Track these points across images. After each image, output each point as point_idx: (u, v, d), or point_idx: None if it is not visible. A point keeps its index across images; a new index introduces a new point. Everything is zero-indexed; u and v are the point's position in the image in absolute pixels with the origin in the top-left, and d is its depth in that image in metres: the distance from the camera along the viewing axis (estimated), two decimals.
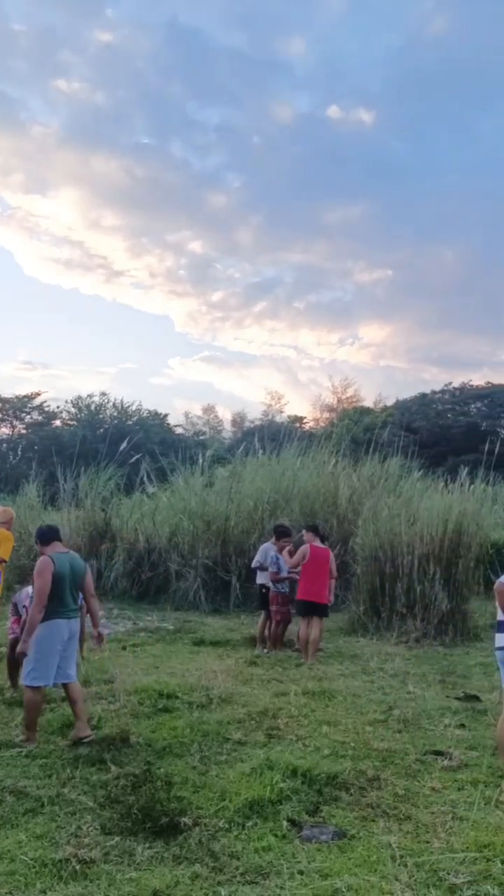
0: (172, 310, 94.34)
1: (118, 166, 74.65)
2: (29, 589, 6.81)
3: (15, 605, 6.84)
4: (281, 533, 9.44)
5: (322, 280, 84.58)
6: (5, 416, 46.56)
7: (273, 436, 17.75)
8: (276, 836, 3.82)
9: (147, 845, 3.73)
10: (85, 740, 5.22)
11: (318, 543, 8.99)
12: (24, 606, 6.65)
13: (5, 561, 8.07)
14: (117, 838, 3.78)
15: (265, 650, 9.11)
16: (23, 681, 5.48)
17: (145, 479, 16.13)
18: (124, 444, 15.97)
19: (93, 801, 4.24)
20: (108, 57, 71.93)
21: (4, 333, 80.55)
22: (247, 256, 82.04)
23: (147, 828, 3.88)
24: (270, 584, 9.21)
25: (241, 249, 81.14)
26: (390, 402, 48.17)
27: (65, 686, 5.43)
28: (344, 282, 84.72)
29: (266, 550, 9.46)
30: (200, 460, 16.25)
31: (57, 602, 5.31)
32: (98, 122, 73.76)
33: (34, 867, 3.47)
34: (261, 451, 16.59)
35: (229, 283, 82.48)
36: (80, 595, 5.64)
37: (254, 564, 9.77)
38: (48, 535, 5.63)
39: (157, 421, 48.04)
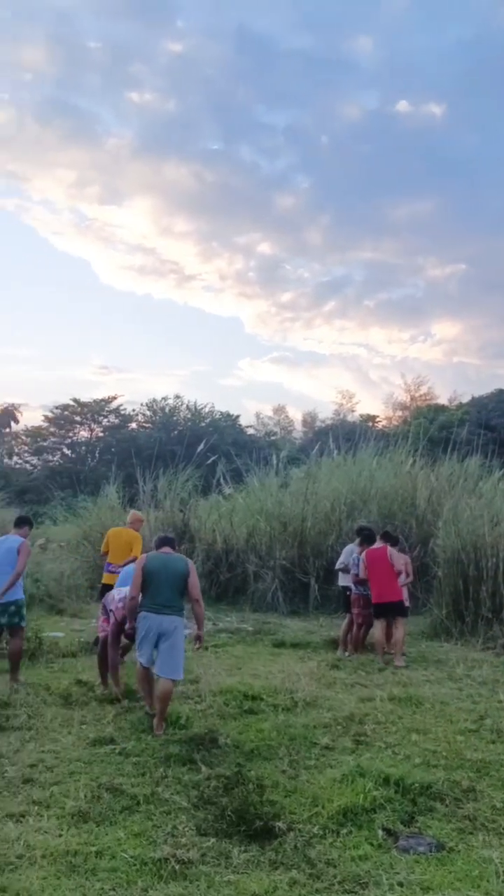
0: (242, 311, 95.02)
1: (188, 173, 75.75)
2: (115, 592, 6.98)
3: (104, 606, 7.01)
4: (364, 536, 9.35)
5: (392, 277, 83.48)
6: (84, 420, 47.81)
7: (348, 436, 17.62)
8: (371, 844, 3.78)
9: (242, 848, 3.75)
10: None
11: (378, 545, 8.94)
12: (110, 610, 6.80)
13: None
14: (213, 840, 3.81)
15: (346, 653, 9.04)
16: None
17: (221, 480, 16.28)
18: (201, 446, 16.17)
19: (186, 802, 4.30)
20: (179, 66, 73.06)
21: (82, 340, 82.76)
22: (316, 256, 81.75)
23: (241, 831, 3.91)
24: (352, 587, 9.14)
25: (310, 249, 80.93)
26: (465, 399, 47.02)
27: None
28: (415, 278, 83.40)
29: (349, 552, 9.38)
30: (275, 461, 16.27)
31: (147, 597, 5.87)
32: (169, 131, 75.04)
33: (135, 865, 3.54)
34: (336, 452, 16.50)
35: (299, 284, 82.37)
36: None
37: (337, 566, 9.71)
38: (159, 541, 6.50)
39: (229, 422, 48.38)
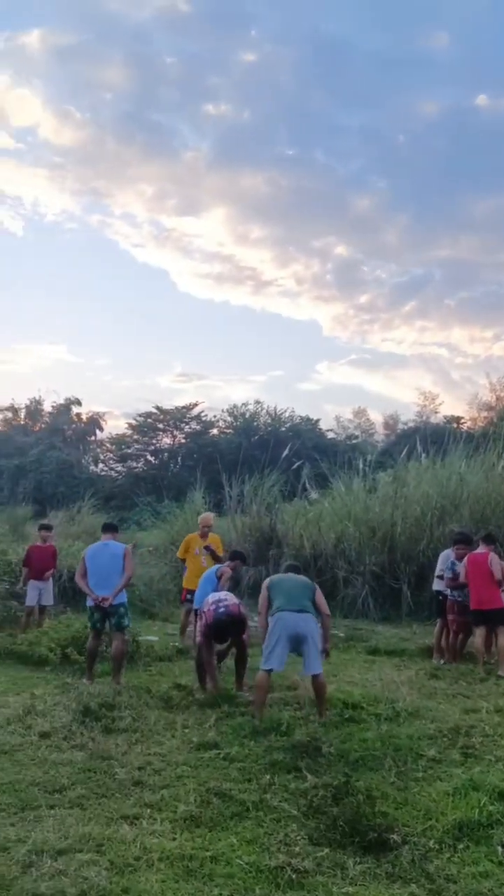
0: (319, 315, 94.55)
1: (263, 180, 76.07)
2: (209, 596, 7.05)
3: (201, 610, 7.10)
4: (458, 540, 9.13)
5: (473, 275, 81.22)
6: (166, 427, 48.67)
7: (435, 438, 17.25)
8: (492, 861, 3.66)
9: (357, 860, 3.70)
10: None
11: (481, 550, 8.67)
12: (203, 612, 6.87)
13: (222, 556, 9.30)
14: (327, 850, 3.78)
15: (442, 661, 8.83)
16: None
17: (307, 484, 16.23)
18: (286, 451, 16.17)
19: (296, 810, 4.28)
20: (253, 75, 73.52)
21: (162, 348, 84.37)
22: (393, 256, 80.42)
23: (355, 842, 3.85)
24: (448, 592, 8.94)
25: (388, 250, 79.69)
26: None
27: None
28: (497, 275, 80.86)
29: (445, 557, 9.19)
30: (361, 465, 16.09)
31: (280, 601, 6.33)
32: (244, 140, 75.55)
33: (251, 872, 3.55)
34: (423, 455, 16.17)
35: (376, 285, 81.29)
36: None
37: (437, 572, 9.51)
38: (287, 567, 7.23)
39: (309, 426, 48.24)
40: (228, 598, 6.99)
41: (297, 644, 6.22)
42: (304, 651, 6.17)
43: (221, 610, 6.71)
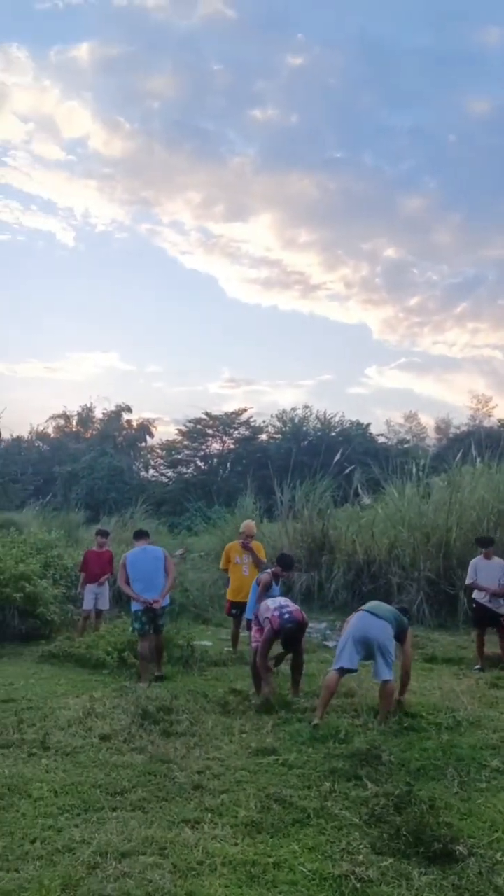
0: (369, 319, 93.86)
1: (311, 183, 75.98)
2: (269, 602, 7.05)
3: (257, 617, 7.09)
4: (484, 543, 9.27)
5: None
6: (216, 433, 48.97)
7: (489, 442, 16.91)
8: None
9: (422, 870, 3.63)
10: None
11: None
12: (266, 618, 6.87)
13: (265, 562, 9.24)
14: (390, 860, 3.73)
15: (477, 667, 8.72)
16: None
17: (359, 489, 16.09)
18: (338, 456, 16.08)
19: (357, 818, 4.23)
20: (300, 79, 73.61)
21: (211, 354, 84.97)
22: (445, 258, 79.48)
23: (420, 852, 3.79)
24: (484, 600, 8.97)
25: (439, 251, 78.74)
26: None
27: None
28: None
29: (475, 566, 9.20)
30: (414, 470, 15.87)
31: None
32: (291, 144, 75.68)
33: (314, 880, 3.53)
34: (478, 459, 15.86)
35: (427, 287, 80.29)
36: None
37: (467, 581, 9.41)
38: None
39: (359, 431, 47.90)
40: (289, 603, 7.01)
41: (367, 649, 6.22)
42: (376, 656, 6.19)
43: (286, 616, 6.73)
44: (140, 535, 8.60)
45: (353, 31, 73.71)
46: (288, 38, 73.04)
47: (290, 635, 6.79)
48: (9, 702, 6.77)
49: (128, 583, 7.94)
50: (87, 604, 10.65)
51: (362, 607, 6.59)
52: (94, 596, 10.65)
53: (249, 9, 70.60)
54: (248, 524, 10.09)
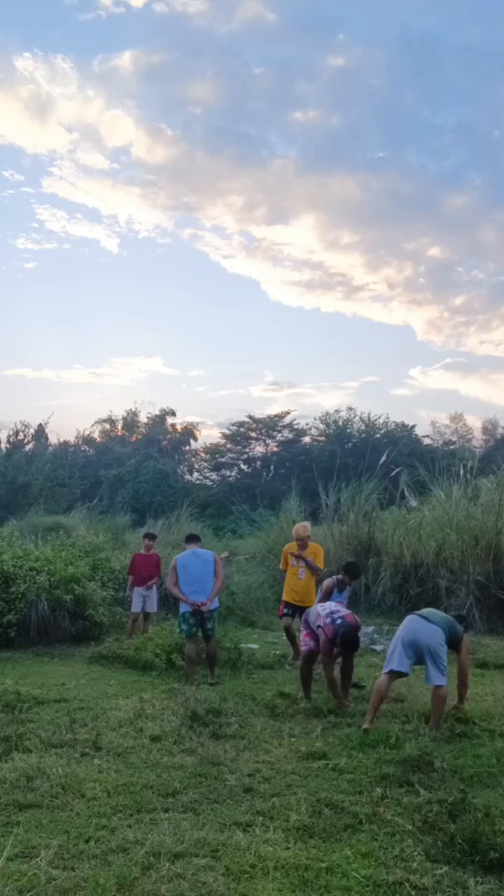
0: (413, 319, 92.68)
1: (353, 184, 75.43)
2: (318, 608, 7.01)
3: (307, 621, 7.07)
4: None
5: None
6: (259, 436, 49.03)
7: None
8: None
9: (478, 879, 3.58)
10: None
11: None
12: (318, 626, 6.82)
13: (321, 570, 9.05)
14: (445, 868, 3.68)
15: None
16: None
17: (405, 492, 15.93)
18: (384, 458, 15.94)
19: (410, 825, 4.19)
20: (341, 80, 73.10)
21: (254, 357, 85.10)
22: (491, 255, 77.87)
23: (475, 860, 3.73)
24: None
25: (485, 249, 77.28)
26: None
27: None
28: None
29: None
30: (461, 471, 15.64)
31: None
32: (333, 146, 75.20)
33: (368, 886, 3.50)
34: None
35: (473, 286, 78.92)
36: None
37: None
38: None
39: (404, 433, 47.39)
40: (340, 608, 6.97)
41: (417, 653, 6.14)
42: (428, 661, 6.10)
43: (339, 621, 6.69)
44: (192, 538, 8.75)
45: (396, 30, 72.90)
46: (329, 38, 72.69)
47: (348, 640, 6.70)
48: (61, 702, 6.89)
49: (177, 585, 8.03)
50: (135, 606, 10.77)
51: (416, 612, 6.48)
52: (142, 598, 10.76)
53: (290, 11, 70.43)
54: (298, 527, 9.61)
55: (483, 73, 72.02)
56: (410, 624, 6.27)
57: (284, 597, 9.61)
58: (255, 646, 10.29)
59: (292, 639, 9.27)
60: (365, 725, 5.94)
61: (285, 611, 9.50)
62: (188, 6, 66.95)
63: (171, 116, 75.16)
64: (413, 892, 3.42)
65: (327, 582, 8.04)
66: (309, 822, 4.21)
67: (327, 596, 7.90)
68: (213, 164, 72.77)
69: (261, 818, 4.28)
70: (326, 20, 67.84)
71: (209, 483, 48.76)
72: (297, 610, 9.17)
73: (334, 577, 8.16)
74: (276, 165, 73.47)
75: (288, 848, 3.90)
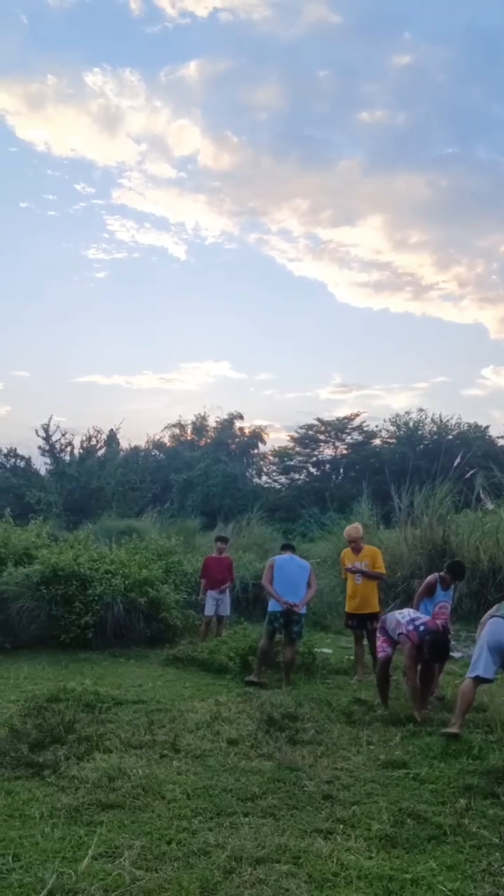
0: (485, 317, 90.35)
1: (421, 182, 74.16)
2: (397, 616, 6.86)
3: (384, 627, 6.97)
4: None
5: None
6: (328, 438, 48.76)
7: None
8: None
9: None
10: None
11: None
12: (400, 633, 6.69)
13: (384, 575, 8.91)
14: None
15: None
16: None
17: (481, 494, 15.53)
18: (458, 459, 15.59)
19: (497, 838, 4.05)
20: (407, 78, 71.99)
21: (322, 360, 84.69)
22: None
23: None
24: None
25: None
26: None
27: None
28: None
29: None
30: None
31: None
32: (400, 144, 74.14)
33: None
34: None
35: None
36: None
37: None
38: None
39: (478, 434, 46.26)
40: (419, 615, 6.84)
41: (503, 658, 5.93)
42: None
43: (422, 628, 6.55)
44: (287, 547, 8.91)
45: (461, 26, 71.35)
46: (394, 38, 71.73)
47: (437, 647, 6.51)
48: (139, 703, 6.98)
49: (271, 583, 8.10)
50: (209, 609, 10.84)
51: (496, 612, 6.16)
52: (215, 602, 10.82)
53: (354, 12, 69.86)
54: (348, 530, 9.18)
55: None
56: (494, 627, 6.02)
57: (346, 607, 9.20)
58: (328, 650, 10.20)
59: (359, 655, 8.90)
60: (453, 730, 5.78)
61: (349, 622, 9.16)
62: (252, 13, 67.23)
63: (236, 123, 75.62)
64: None
65: (430, 578, 7.71)
66: (391, 831, 4.13)
67: (429, 592, 7.58)
68: (278, 169, 72.90)
69: (342, 826, 4.22)
70: (391, 19, 66.95)
71: (278, 486, 48.76)
72: (359, 619, 8.89)
73: (437, 574, 7.81)
74: (341, 167, 73.03)
75: (371, 857, 3.83)
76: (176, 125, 71.38)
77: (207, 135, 74.74)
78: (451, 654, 10.08)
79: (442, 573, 7.74)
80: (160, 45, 71.88)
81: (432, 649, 6.48)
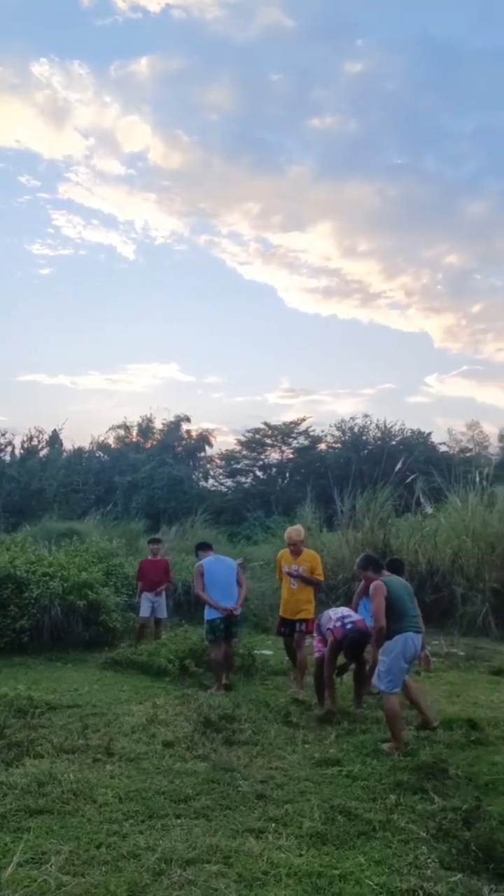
0: (430, 326, 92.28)
1: (371, 191, 75.35)
2: (330, 613, 6.98)
3: (319, 628, 7.04)
4: None
5: None
6: (275, 442, 48.99)
7: None
8: None
9: (493, 887, 3.53)
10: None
11: None
12: (328, 629, 6.80)
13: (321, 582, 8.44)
14: (460, 875, 3.63)
15: None
16: (379, 686, 5.96)
17: (421, 499, 15.84)
18: (399, 465, 15.86)
19: (424, 832, 4.14)
20: (359, 86, 73.06)
21: (270, 364, 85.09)
22: None
23: (490, 868, 3.69)
24: None
25: (503, 256, 77.01)
26: None
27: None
28: None
29: None
30: (477, 479, 15.55)
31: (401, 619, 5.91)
32: (351, 152, 75.14)
33: (381, 893, 3.46)
34: None
35: (490, 293, 78.39)
36: None
37: None
38: (391, 564, 7.06)
39: (420, 440, 47.18)
40: (351, 613, 6.94)
41: None
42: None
43: (349, 626, 6.66)
44: (205, 546, 8.73)
45: (415, 35, 72.77)
46: (347, 44, 72.72)
47: (354, 645, 6.70)
48: (74, 707, 6.87)
49: (205, 590, 8.01)
50: (144, 612, 10.74)
51: (408, 626, 5.95)
52: (151, 604, 10.73)
53: (308, 17, 70.48)
54: (290, 531, 8.46)
55: (502, 77, 71.86)
56: (417, 640, 6.03)
57: (280, 611, 8.49)
58: (268, 652, 10.23)
59: (293, 656, 8.35)
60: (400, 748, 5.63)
61: (281, 628, 8.40)
62: (206, 12, 67.33)
63: (187, 122, 75.48)
64: None
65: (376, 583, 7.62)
66: (322, 828, 4.17)
67: (368, 591, 7.63)
68: (230, 171, 73.07)
69: (273, 825, 4.25)
70: (345, 26, 67.82)
71: (224, 489, 48.73)
72: (291, 626, 8.19)
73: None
74: (292, 172, 73.62)
75: (301, 855, 3.86)
76: (126, 121, 70.84)
77: (158, 133, 74.42)
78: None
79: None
80: (110, 39, 71.31)
81: (350, 646, 6.66)
